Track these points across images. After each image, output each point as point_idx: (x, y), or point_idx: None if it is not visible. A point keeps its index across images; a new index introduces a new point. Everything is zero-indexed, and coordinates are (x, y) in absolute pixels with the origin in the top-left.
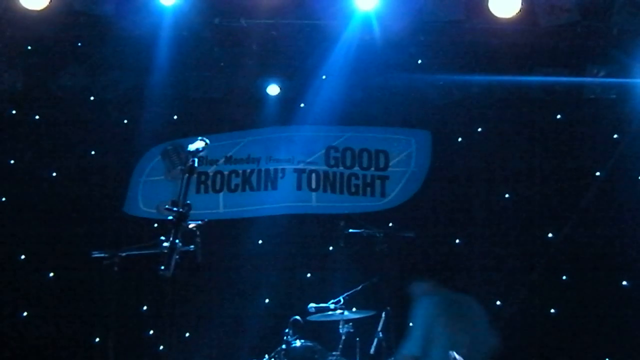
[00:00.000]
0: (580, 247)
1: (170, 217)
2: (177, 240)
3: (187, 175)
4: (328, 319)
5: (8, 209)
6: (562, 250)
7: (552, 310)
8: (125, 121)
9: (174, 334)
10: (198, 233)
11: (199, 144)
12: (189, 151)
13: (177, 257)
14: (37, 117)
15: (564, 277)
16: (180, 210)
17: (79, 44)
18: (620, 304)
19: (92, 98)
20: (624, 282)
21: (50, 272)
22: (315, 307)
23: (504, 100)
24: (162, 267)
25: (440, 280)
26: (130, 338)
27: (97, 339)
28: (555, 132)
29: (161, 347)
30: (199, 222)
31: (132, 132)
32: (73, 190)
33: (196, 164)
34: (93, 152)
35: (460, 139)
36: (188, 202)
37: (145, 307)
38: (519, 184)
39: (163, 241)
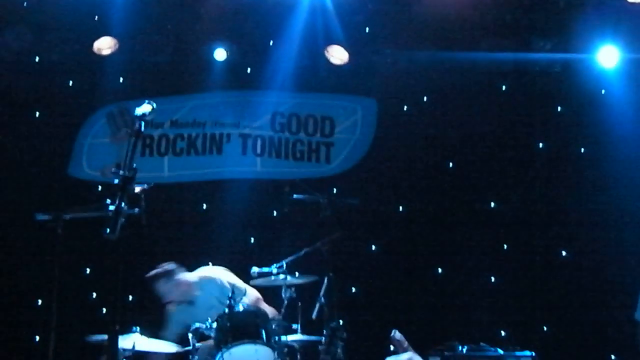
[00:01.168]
0: (521, 217)
1: (116, 181)
2: (122, 204)
3: (133, 138)
4: (271, 283)
5: None
6: (504, 220)
7: (493, 279)
8: (71, 83)
9: (118, 298)
10: (143, 196)
11: (145, 108)
12: (136, 115)
13: (123, 220)
14: None
15: (505, 246)
16: (126, 173)
17: (24, 4)
18: (559, 273)
19: (37, 59)
20: (563, 252)
21: None
22: (258, 272)
23: (450, 70)
24: (108, 230)
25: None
26: (73, 301)
27: (40, 302)
28: (500, 103)
29: (104, 310)
30: (145, 185)
31: (77, 94)
32: (17, 153)
33: (142, 128)
34: (37, 114)
35: (405, 108)
36: (134, 165)
37: (88, 270)
38: (463, 154)
39: (108, 204)
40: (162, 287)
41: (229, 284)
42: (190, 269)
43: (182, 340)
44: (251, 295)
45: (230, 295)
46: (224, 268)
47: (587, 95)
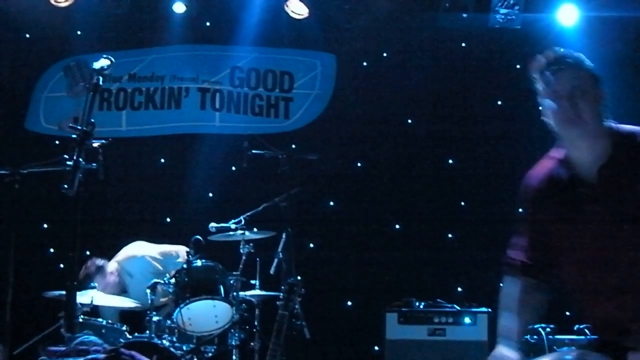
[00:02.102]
0: (478, 174)
1: (74, 136)
2: (80, 159)
3: (90, 93)
4: (229, 239)
5: None
6: (461, 177)
7: (450, 235)
8: (27, 35)
9: (75, 253)
10: (101, 151)
11: (103, 62)
12: (94, 69)
13: (80, 175)
14: None
15: (462, 203)
16: (84, 128)
17: None
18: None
19: None
20: (520, 210)
21: None
22: (216, 227)
23: (411, 26)
24: (66, 186)
25: (342, 202)
26: (30, 256)
27: None
28: (460, 60)
29: (61, 265)
30: (103, 141)
31: (34, 46)
32: None
33: (100, 82)
34: None
35: (365, 63)
36: (92, 120)
37: (46, 225)
38: (422, 110)
39: (66, 159)
40: (99, 284)
41: (159, 253)
42: (150, 226)
43: None
44: (183, 255)
45: (162, 264)
46: (142, 242)
47: None
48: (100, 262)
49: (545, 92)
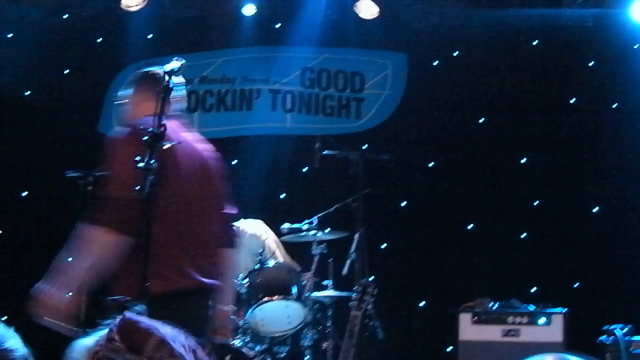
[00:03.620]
0: (552, 172)
1: (145, 138)
2: (151, 161)
3: (162, 95)
4: (301, 239)
5: None
6: (535, 176)
7: (524, 234)
8: (100, 39)
9: (148, 252)
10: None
11: (174, 64)
12: (165, 71)
13: (152, 177)
14: (9, 35)
15: (536, 202)
16: (155, 131)
17: None
18: (591, 228)
19: (65, 16)
20: (595, 209)
21: (23, 191)
22: (288, 228)
23: (482, 24)
24: (137, 188)
25: (414, 202)
26: None
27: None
28: (532, 58)
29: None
30: (174, 143)
31: (106, 50)
32: (47, 110)
33: (171, 85)
34: (67, 71)
35: (435, 63)
36: (163, 122)
37: None
38: (494, 109)
39: (138, 161)
40: None
41: (274, 241)
42: None
43: None
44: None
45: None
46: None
47: (620, 49)
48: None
49: None
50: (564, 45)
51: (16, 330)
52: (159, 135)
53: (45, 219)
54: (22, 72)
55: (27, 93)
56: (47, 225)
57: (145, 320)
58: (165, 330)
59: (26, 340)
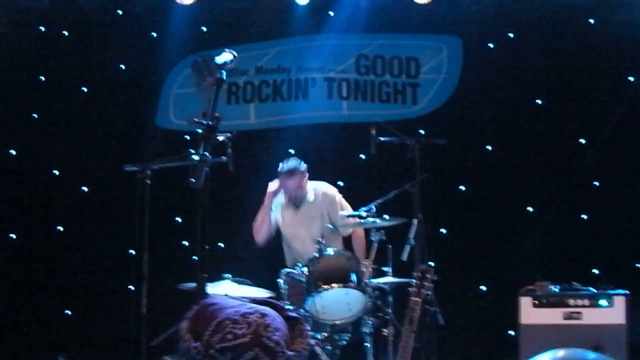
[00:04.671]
0: (612, 154)
1: (199, 130)
2: (206, 153)
3: (215, 87)
4: (360, 227)
5: (40, 125)
6: (595, 156)
7: (585, 217)
8: (154, 34)
9: (206, 243)
10: (230, 144)
11: (226, 57)
12: (217, 64)
13: (207, 169)
14: (65, 32)
15: (596, 183)
16: (209, 122)
17: None
18: None
19: (119, 12)
20: None
21: (83, 187)
22: (347, 215)
23: (535, 5)
24: (192, 179)
25: (473, 186)
26: (164, 249)
27: (132, 251)
28: (588, 37)
29: (194, 257)
30: (228, 134)
31: (161, 45)
32: (104, 105)
33: (224, 76)
34: (123, 66)
35: (491, 45)
36: (217, 114)
37: (179, 219)
38: (551, 90)
39: (192, 154)
40: None
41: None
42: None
43: None
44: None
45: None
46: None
47: None
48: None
49: None
50: (622, 22)
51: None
52: (213, 128)
53: (105, 213)
54: (78, 69)
55: (84, 89)
56: (107, 219)
57: (221, 301)
58: (234, 309)
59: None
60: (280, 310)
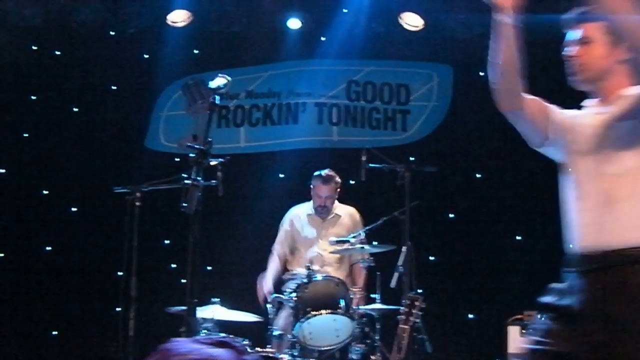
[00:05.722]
0: None
1: (192, 155)
2: (198, 177)
3: (208, 112)
4: (348, 253)
5: (30, 145)
6: None
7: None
8: (146, 56)
9: (196, 267)
10: (220, 168)
11: (220, 81)
12: (210, 88)
13: (199, 193)
14: (57, 52)
15: None
16: (202, 147)
17: None
18: None
19: (112, 33)
20: None
21: (73, 207)
22: (336, 241)
23: (527, 32)
24: (184, 204)
25: (462, 214)
26: (152, 271)
27: (120, 273)
28: None
29: (183, 280)
30: (221, 160)
31: (152, 66)
32: (94, 126)
33: (217, 101)
34: (114, 87)
35: (481, 74)
36: (209, 139)
37: (167, 241)
38: None
39: (185, 178)
40: None
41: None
42: (271, 241)
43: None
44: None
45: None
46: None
47: None
48: None
49: None
50: None
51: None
52: (205, 152)
53: (94, 234)
54: (69, 89)
55: (75, 109)
56: (96, 240)
57: (176, 347)
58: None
59: None
60: (239, 353)
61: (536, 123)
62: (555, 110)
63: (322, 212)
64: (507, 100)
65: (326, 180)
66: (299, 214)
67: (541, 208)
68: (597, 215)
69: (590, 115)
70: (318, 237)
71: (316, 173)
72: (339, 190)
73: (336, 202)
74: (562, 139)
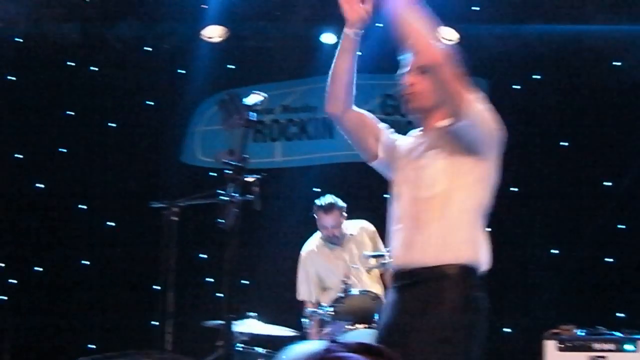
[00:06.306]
0: (638, 196)
1: (228, 172)
2: (235, 194)
3: (244, 128)
4: (383, 267)
5: (68, 160)
6: (619, 199)
7: (610, 259)
8: (181, 71)
9: (233, 281)
10: (257, 183)
11: (255, 98)
12: (246, 105)
13: (236, 210)
14: (93, 68)
15: (621, 226)
16: (238, 164)
17: None
18: None
19: (147, 49)
20: None
21: (110, 222)
22: (371, 254)
23: (561, 47)
24: (221, 220)
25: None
26: (189, 285)
27: (157, 287)
28: (614, 79)
29: (219, 294)
30: (258, 176)
31: (188, 81)
32: (131, 141)
33: (254, 118)
34: (150, 103)
35: (517, 87)
36: (246, 155)
37: (204, 255)
38: (576, 131)
39: (221, 194)
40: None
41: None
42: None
43: None
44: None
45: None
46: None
47: None
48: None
49: None
50: None
51: None
52: (242, 168)
53: (131, 248)
54: (106, 105)
55: (112, 125)
56: (133, 255)
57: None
58: None
59: None
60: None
61: (361, 139)
62: (386, 133)
63: (335, 240)
64: (331, 103)
65: (327, 209)
66: (313, 257)
67: (577, 221)
68: (409, 235)
69: (410, 144)
70: (344, 266)
71: (316, 203)
72: (344, 214)
73: (344, 221)
74: (389, 161)
